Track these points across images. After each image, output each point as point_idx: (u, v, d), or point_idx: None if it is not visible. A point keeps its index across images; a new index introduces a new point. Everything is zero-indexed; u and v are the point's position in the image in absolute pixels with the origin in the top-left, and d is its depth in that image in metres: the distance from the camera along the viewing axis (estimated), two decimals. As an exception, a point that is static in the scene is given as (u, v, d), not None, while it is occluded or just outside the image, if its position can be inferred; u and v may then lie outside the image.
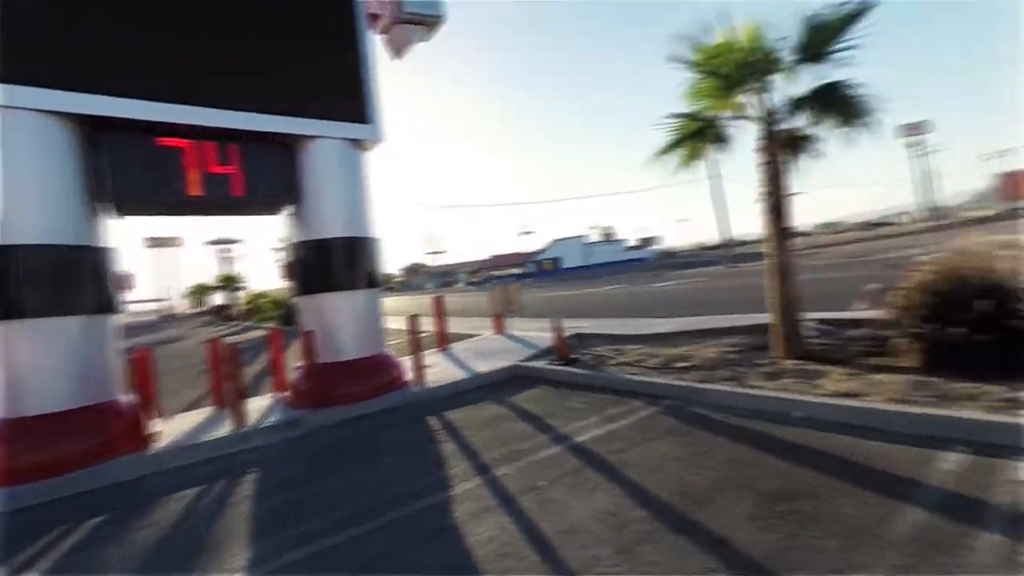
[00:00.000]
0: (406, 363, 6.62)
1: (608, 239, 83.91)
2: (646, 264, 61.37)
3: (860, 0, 4.68)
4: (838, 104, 4.99)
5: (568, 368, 6.18)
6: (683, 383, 4.76)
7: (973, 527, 2.17)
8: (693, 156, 5.93)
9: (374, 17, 6.87)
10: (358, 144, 6.42)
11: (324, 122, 6.03)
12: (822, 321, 5.91)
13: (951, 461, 2.76)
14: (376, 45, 6.92)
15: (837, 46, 4.87)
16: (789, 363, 4.85)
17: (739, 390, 4.34)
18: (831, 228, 79.82)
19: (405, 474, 3.74)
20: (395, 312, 17.76)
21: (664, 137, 5.95)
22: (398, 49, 7.19)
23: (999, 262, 3.90)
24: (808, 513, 2.45)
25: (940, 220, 43.43)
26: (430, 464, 3.88)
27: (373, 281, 6.37)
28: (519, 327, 10.52)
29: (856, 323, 5.52)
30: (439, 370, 7.09)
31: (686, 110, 5.84)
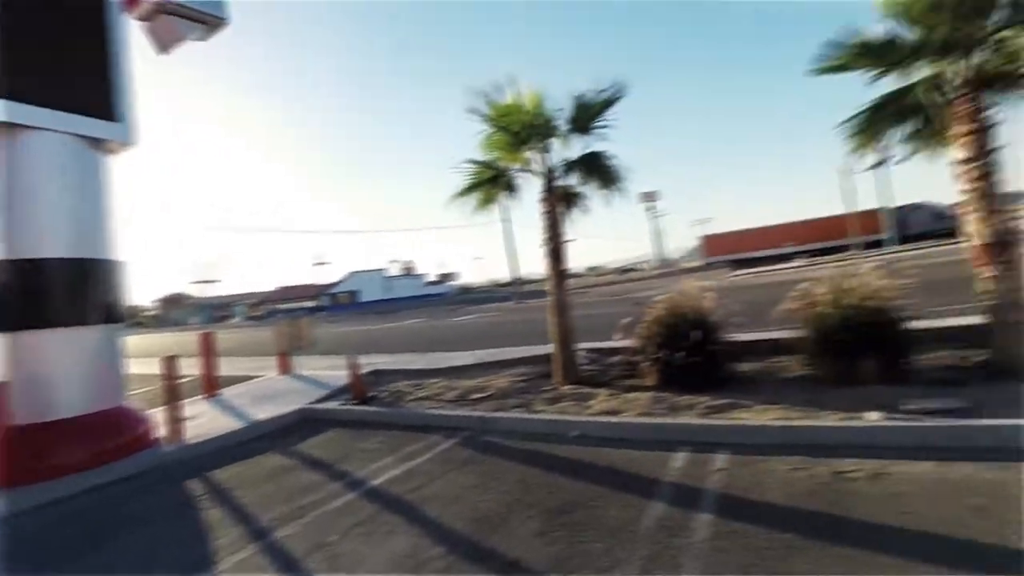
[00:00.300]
0: (158, 416, 5.38)
1: (409, 273, 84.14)
2: (445, 299, 63.21)
3: (614, 88, 5.84)
4: (599, 170, 6.07)
5: (364, 407, 5.87)
6: (478, 413, 4.98)
7: (693, 510, 2.76)
8: (488, 200, 6.47)
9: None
10: (99, 144, 5.17)
11: (47, 111, 4.70)
12: (591, 350, 6.92)
13: (679, 459, 3.49)
14: (135, 34, 5.79)
15: (598, 122, 5.96)
16: (567, 388, 5.52)
17: (526, 416, 4.75)
18: (595, 271, 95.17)
19: (148, 559, 2.98)
20: (145, 353, 14.43)
21: (463, 180, 6.37)
22: (164, 43, 6.12)
23: (704, 302, 5.20)
24: (583, 522, 2.78)
25: (667, 268, 56.27)
26: (186, 539, 3.18)
27: (112, 315, 5.08)
28: (310, 366, 9.62)
29: (616, 351, 6.62)
30: (205, 421, 5.97)
31: (482, 158, 6.37)
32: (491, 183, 6.38)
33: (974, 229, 4.16)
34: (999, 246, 4.02)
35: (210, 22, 6.18)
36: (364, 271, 74.75)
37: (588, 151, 6.06)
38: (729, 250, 38.67)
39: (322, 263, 77.45)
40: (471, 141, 6.32)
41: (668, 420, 4.09)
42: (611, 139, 6.02)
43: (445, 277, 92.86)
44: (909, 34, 4.38)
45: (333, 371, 8.46)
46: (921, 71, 4.43)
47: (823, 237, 33.24)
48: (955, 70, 4.20)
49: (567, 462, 3.72)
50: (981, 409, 3.34)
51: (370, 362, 8.41)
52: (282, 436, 5.38)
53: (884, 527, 2.38)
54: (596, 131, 5.98)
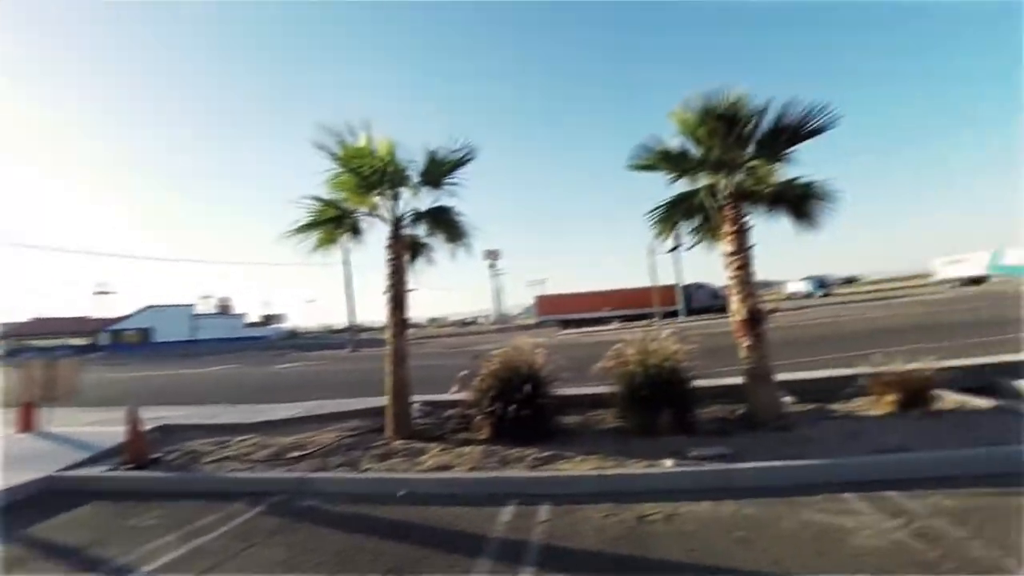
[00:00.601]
0: None
1: (225, 311, 73.55)
2: (268, 343, 56.49)
3: (467, 150, 6.12)
4: (446, 223, 6.24)
5: (142, 473, 4.79)
6: (295, 475, 4.43)
7: (517, 565, 2.78)
8: (328, 240, 6.13)
9: None
10: None
11: None
12: (427, 403, 6.77)
13: (507, 513, 3.52)
14: None
15: (449, 179, 6.17)
16: (399, 443, 5.26)
17: (350, 475, 4.38)
18: (437, 323, 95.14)
19: None
20: None
21: (303, 217, 5.96)
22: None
23: (536, 357, 5.53)
24: (405, 590, 2.58)
25: (505, 324, 59.13)
26: None
27: None
28: (70, 421, 7.57)
29: (452, 404, 6.58)
30: None
31: (327, 197, 6.06)
32: (334, 223, 6.09)
33: (736, 307, 5.27)
34: (752, 322, 5.14)
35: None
36: (164, 306, 63.07)
37: (438, 204, 6.21)
38: (559, 310, 42.30)
39: (105, 292, 63.36)
40: (314, 177, 6.00)
41: (497, 474, 4.15)
42: (460, 196, 6.27)
43: (270, 319, 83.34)
44: (695, 151, 5.57)
45: (104, 427, 6.78)
46: (703, 180, 5.62)
47: (634, 305, 38.57)
48: (726, 183, 5.42)
49: (393, 524, 3.48)
50: (743, 455, 4.10)
51: (159, 416, 6.99)
52: (11, 516, 4.04)
53: (677, 564, 2.71)
54: (447, 186, 6.18)
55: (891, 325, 15.11)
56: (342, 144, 5.70)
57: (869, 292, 49.59)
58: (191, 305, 66.13)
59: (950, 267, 41.84)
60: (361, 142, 5.73)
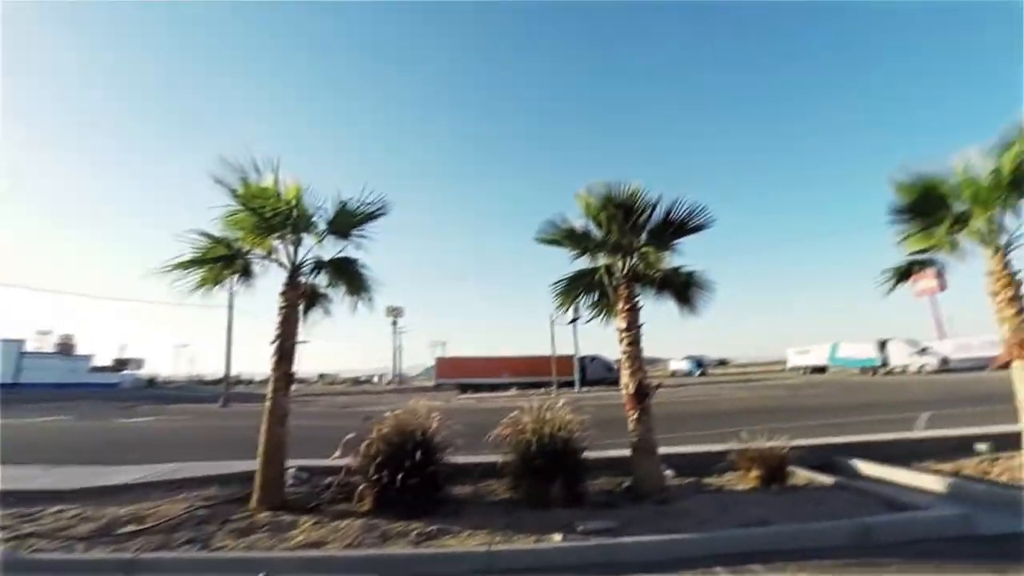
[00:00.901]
0: None
1: (65, 351, 62.43)
2: (119, 391, 48.47)
3: (380, 204, 6.05)
4: (350, 275, 6.01)
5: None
6: (121, 556, 3.67)
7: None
8: (213, 280, 5.61)
9: None
10: None
11: None
12: (304, 468, 6.11)
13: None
14: None
15: (358, 231, 6.03)
16: (266, 515, 4.63)
17: (198, 555, 3.73)
18: (328, 379, 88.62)
19: None
20: None
21: (185, 252, 5.42)
22: None
23: (430, 422, 5.31)
24: None
25: (402, 384, 56.65)
26: None
27: None
28: None
29: (334, 470, 6.01)
30: None
31: (218, 234, 5.60)
32: (223, 262, 5.60)
33: (626, 381, 5.57)
34: (639, 396, 5.45)
35: None
36: None
37: (343, 255, 6.00)
38: (458, 373, 41.67)
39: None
40: (202, 210, 5.55)
41: (375, 551, 3.78)
42: (368, 248, 6.12)
43: (123, 363, 72.05)
44: (597, 232, 6.05)
45: None
46: (602, 260, 6.08)
47: (532, 372, 39.21)
48: (622, 265, 5.90)
49: (244, 616, 2.97)
50: (628, 528, 4.17)
51: (-56, 478, 5.53)
52: None
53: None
54: (355, 238, 6.02)
55: (755, 406, 16.84)
56: (245, 181, 5.37)
57: (737, 374, 55.54)
58: (19, 340, 55.21)
59: (799, 356, 48.41)
60: (267, 182, 5.45)
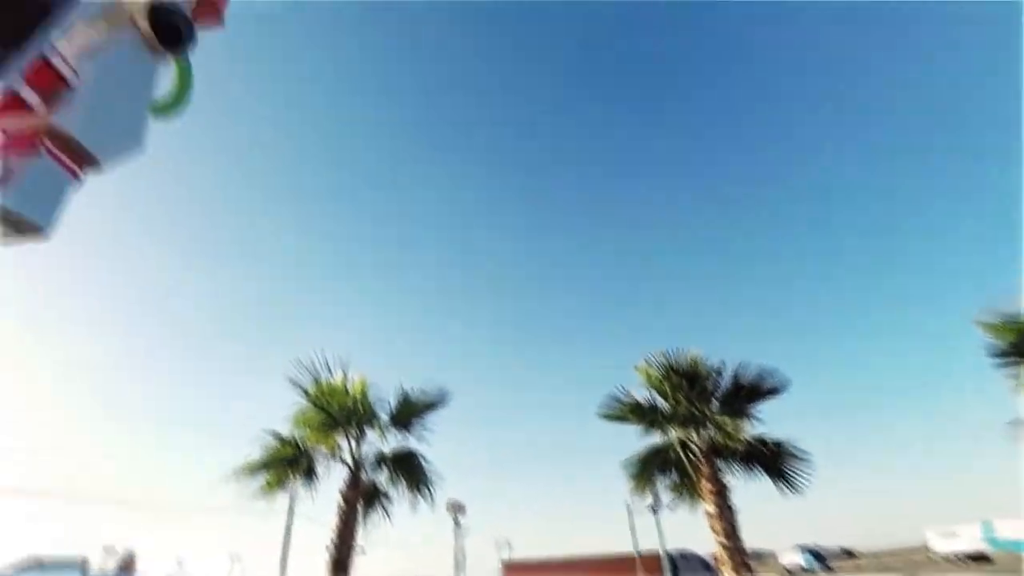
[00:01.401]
0: None
1: (126, 569, 60.01)
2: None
3: (439, 393, 6.14)
4: (410, 469, 5.81)
5: None
6: None
7: None
8: (279, 483, 5.58)
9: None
10: None
11: None
12: None
13: None
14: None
15: (419, 421, 6.02)
16: None
17: None
18: (383, 594, 78.43)
19: None
20: None
21: (256, 454, 5.53)
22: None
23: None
24: None
25: (466, 596, 49.50)
26: None
27: None
28: None
29: None
30: None
31: (286, 434, 5.75)
32: (289, 463, 5.61)
33: (731, 582, 4.60)
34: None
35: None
36: (51, 560, 51.18)
37: (404, 448, 5.91)
38: (530, 578, 36.25)
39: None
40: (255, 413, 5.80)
41: None
42: (428, 440, 6.03)
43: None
44: (663, 404, 5.72)
45: None
46: (673, 433, 5.62)
47: (615, 573, 33.55)
48: (696, 437, 5.41)
49: None
50: None
51: None
52: None
53: None
54: (416, 430, 6.00)
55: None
56: (316, 381, 5.68)
57: (876, 568, 44.71)
58: (83, 560, 53.75)
59: (945, 540, 39.11)
60: (337, 379, 5.75)
